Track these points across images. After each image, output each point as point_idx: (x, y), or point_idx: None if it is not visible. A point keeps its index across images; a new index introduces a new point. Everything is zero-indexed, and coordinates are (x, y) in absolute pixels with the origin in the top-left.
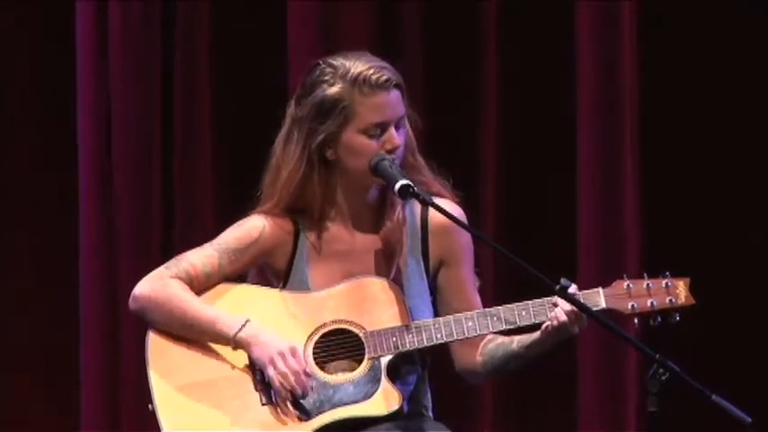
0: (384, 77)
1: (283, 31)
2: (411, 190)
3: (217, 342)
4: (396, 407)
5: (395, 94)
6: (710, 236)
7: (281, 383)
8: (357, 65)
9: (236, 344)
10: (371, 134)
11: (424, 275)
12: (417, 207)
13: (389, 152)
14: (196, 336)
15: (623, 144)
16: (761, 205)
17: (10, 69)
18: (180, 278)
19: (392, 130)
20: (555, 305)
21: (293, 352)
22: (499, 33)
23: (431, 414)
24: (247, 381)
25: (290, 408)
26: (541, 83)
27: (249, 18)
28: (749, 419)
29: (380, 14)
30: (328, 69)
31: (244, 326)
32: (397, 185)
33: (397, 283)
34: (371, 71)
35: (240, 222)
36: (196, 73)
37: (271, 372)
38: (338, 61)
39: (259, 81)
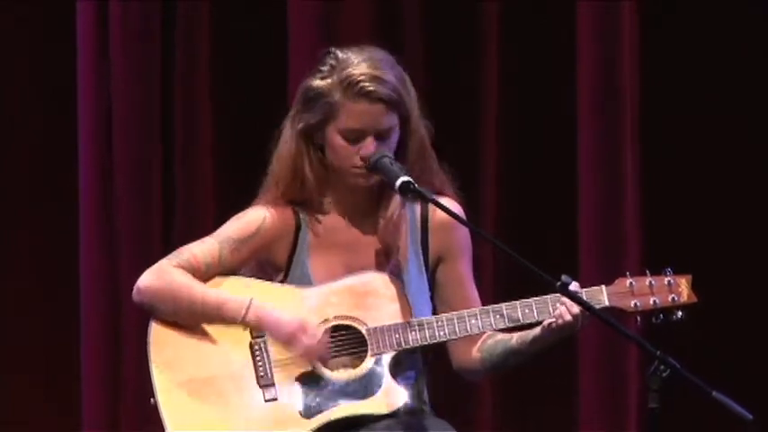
0: (369, 89)
1: (284, 30)
2: (412, 187)
3: (225, 324)
4: (398, 405)
5: (377, 108)
6: (711, 236)
7: (310, 359)
8: (356, 68)
9: (245, 327)
10: (347, 137)
11: (424, 271)
12: (417, 203)
13: (362, 159)
14: (203, 321)
15: (623, 144)
16: (761, 205)
17: (10, 69)
18: (182, 267)
19: (369, 139)
20: (559, 303)
21: (304, 328)
22: (500, 33)
23: (429, 410)
24: (250, 376)
25: (293, 404)
26: (542, 83)
27: (249, 18)
28: (750, 416)
29: (381, 15)
30: (331, 61)
31: (249, 308)
32: (398, 182)
33: (397, 278)
34: (363, 78)
35: (241, 214)
36: (196, 73)
37: (294, 352)
38: (345, 55)
39: (259, 81)
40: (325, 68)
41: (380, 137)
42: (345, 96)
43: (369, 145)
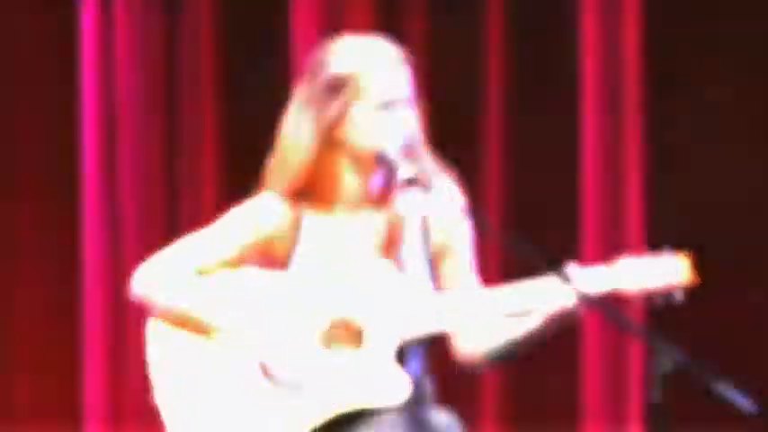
0: (394, 56)
1: (286, 30)
2: (416, 178)
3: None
4: (402, 396)
5: (405, 73)
6: (713, 235)
7: None
8: (373, 41)
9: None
10: (382, 109)
11: (426, 265)
12: (417, 198)
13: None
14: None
15: (626, 143)
16: (761, 204)
17: (10, 69)
18: (179, 263)
19: (402, 109)
20: (562, 288)
21: None
22: (503, 30)
23: (432, 401)
24: (252, 372)
25: (296, 398)
26: (544, 74)
27: (252, 13)
28: (754, 409)
29: (384, 14)
30: (343, 44)
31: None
32: (403, 173)
33: (399, 272)
34: (384, 49)
35: (241, 207)
36: (199, 72)
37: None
38: (351, 39)
39: (261, 80)
40: (342, 51)
41: (410, 106)
42: (374, 69)
43: (405, 116)
